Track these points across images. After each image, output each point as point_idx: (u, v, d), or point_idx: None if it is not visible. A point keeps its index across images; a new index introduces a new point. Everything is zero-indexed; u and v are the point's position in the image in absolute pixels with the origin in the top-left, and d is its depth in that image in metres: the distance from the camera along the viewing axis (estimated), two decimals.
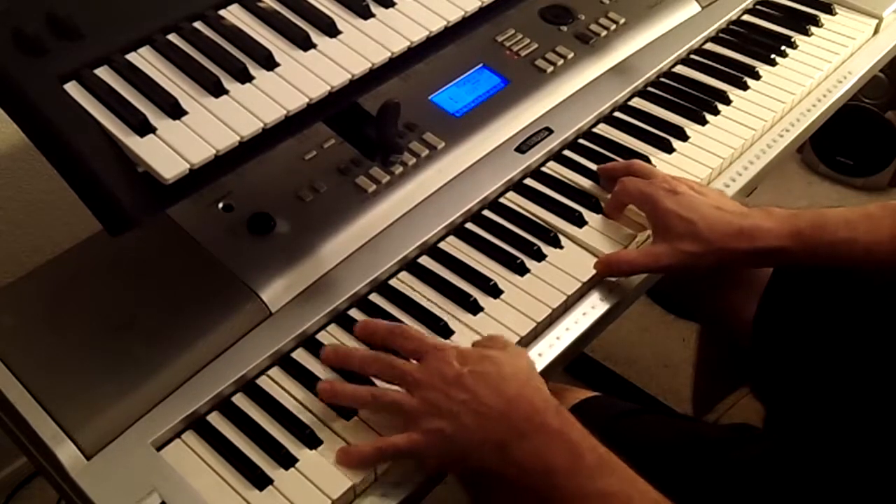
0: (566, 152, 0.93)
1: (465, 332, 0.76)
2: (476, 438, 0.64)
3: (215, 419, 0.70)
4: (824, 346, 0.89)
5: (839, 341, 0.88)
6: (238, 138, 0.64)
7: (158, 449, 0.67)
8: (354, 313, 0.77)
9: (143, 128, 0.63)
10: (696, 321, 1.33)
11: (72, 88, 0.64)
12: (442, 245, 0.83)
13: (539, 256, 0.82)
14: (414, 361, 0.69)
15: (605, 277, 0.81)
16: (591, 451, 0.64)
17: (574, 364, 0.81)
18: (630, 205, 0.85)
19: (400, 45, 0.71)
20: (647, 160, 0.92)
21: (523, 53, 0.98)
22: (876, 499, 0.73)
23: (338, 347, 0.73)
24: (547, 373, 0.77)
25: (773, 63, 1.06)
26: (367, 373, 0.70)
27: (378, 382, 0.70)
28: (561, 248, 0.83)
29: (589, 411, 0.89)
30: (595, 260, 0.82)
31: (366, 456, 0.66)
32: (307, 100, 0.66)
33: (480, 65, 0.96)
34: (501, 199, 0.88)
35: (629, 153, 0.93)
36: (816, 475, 0.77)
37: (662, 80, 1.04)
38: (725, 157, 0.94)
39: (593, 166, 0.91)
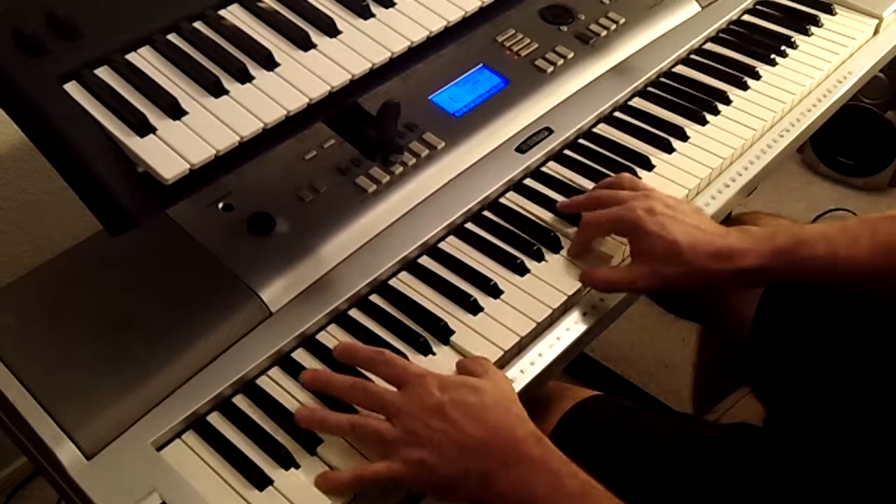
0: (566, 152, 0.93)
1: (465, 331, 0.76)
2: (458, 469, 0.64)
3: (215, 419, 0.70)
4: (824, 346, 0.89)
5: (839, 341, 0.88)
6: (238, 138, 0.63)
7: (158, 449, 0.67)
8: (354, 313, 0.77)
9: (143, 128, 0.63)
10: (696, 321, 1.34)
11: (72, 88, 0.64)
12: (442, 245, 0.83)
13: (539, 256, 0.82)
14: (394, 389, 0.69)
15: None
16: (572, 478, 0.64)
17: (574, 364, 0.81)
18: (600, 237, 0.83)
19: (400, 45, 0.71)
20: (648, 160, 0.92)
21: (523, 53, 0.98)
22: (876, 499, 0.73)
23: (318, 373, 0.72)
24: (547, 373, 0.77)
25: (773, 63, 1.06)
26: (348, 401, 0.70)
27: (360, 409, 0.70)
28: (561, 248, 0.83)
29: (589, 411, 0.89)
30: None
31: (344, 483, 0.66)
32: (307, 100, 0.66)
33: (480, 65, 0.96)
34: (501, 199, 0.88)
35: (629, 153, 0.93)
36: (816, 475, 0.77)
37: (662, 80, 1.04)
38: (726, 157, 0.94)
39: (594, 166, 0.91)
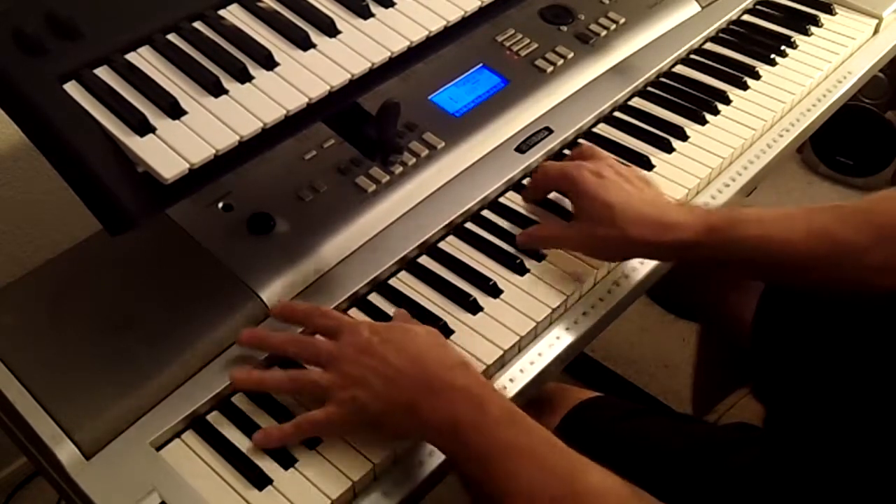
0: (566, 152, 0.93)
1: (464, 331, 0.76)
2: (387, 401, 0.65)
3: (215, 419, 0.70)
4: (824, 347, 0.89)
5: (838, 341, 0.88)
6: (238, 138, 0.64)
7: (158, 449, 0.67)
8: (354, 313, 0.77)
9: (142, 128, 0.63)
10: (696, 321, 1.34)
11: (72, 88, 0.64)
12: (442, 245, 0.83)
13: (539, 256, 0.82)
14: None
15: (527, 248, 0.82)
16: (496, 405, 0.64)
17: (574, 364, 0.81)
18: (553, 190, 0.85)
19: (400, 45, 0.71)
20: (647, 160, 0.92)
21: (523, 53, 0.98)
22: (875, 499, 0.73)
23: (255, 330, 0.73)
24: (547, 373, 0.77)
25: (773, 63, 1.06)
26: (285, 353, 0.71)
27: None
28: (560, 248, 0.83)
29: (590, 412, 0.89)
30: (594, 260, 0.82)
31: (285, 434, 0.67)
32: (307, 100, 0.67)
33: (480, 65, 0.96)
34: (501, 199, 0.88)
35: (629, 153, 0.93)
36: (816, 475, 0.77)
37: (662, 80, 1.04)
38: (725, 156, 0.94)
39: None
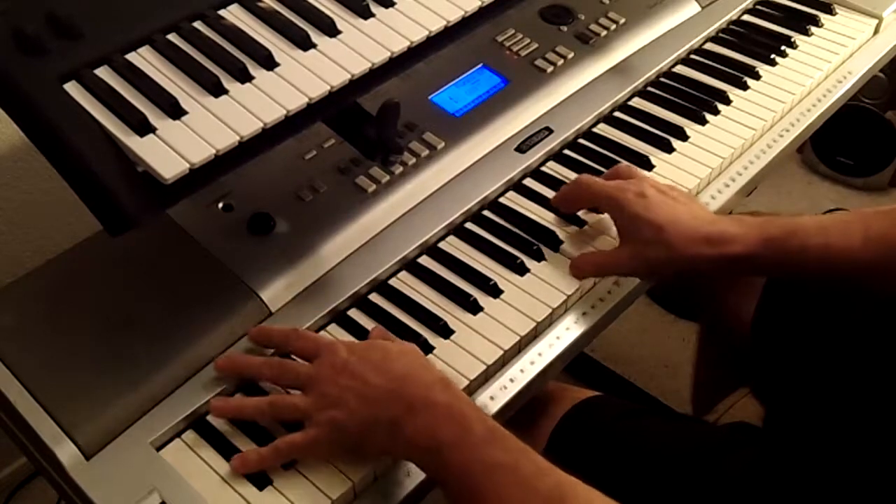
0: (566, 152, 0.93)
1: (464, 331, 0.76)
2: (367, 421, 0.64)
3: (215, 419, 0.70)
4: (823, 347, 0.89)
5: (838, 341, 0.88)
6: (238, 138, 0.64)
7: (158, 449, 0.67)
8: (354, 313, 0.77)
9: (142, 128, 0.63)
10: (696, 321, 1.34)
11: (72, 88, 0.64)
12: (442, 245, 0.83)
13: (539, 256, 0.82)
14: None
15: (581, 277, 0.81)
16: (479, 423, 0.63)
17: (574, 364, 0.81)
18: (593, 208, 0.84)
19: (400, 45, 0.71)
20: (647, 160, 0.92)
21: (523, 53, 0.98)
22: (875, 499, 0.73)
23: (231, 355, 0.71)
24: (547, 372, 0.77)
25: (773, 63, 1.06)
26: (263, 377, 0.70)
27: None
28: (561, 248, 0.83)
29: (589, 411, 0.89)
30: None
31: (264, 458, 0.66)
32: (307, 100, 0.67)
33: (480, 65, 0.96)
34: (501, 199, 0.88)
35: (629, 153, 0.93)
36: (816, 475, 0.77)
37: (662, 80, 1.04)
38: (725, 156, 0.94)
39: (594, 166, 0.91)
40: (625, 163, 0.88)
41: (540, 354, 0.77)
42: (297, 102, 0.66)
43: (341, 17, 0.72)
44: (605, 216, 0.84)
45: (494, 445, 0.62)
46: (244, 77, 0.67)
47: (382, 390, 0.64)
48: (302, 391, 0.67)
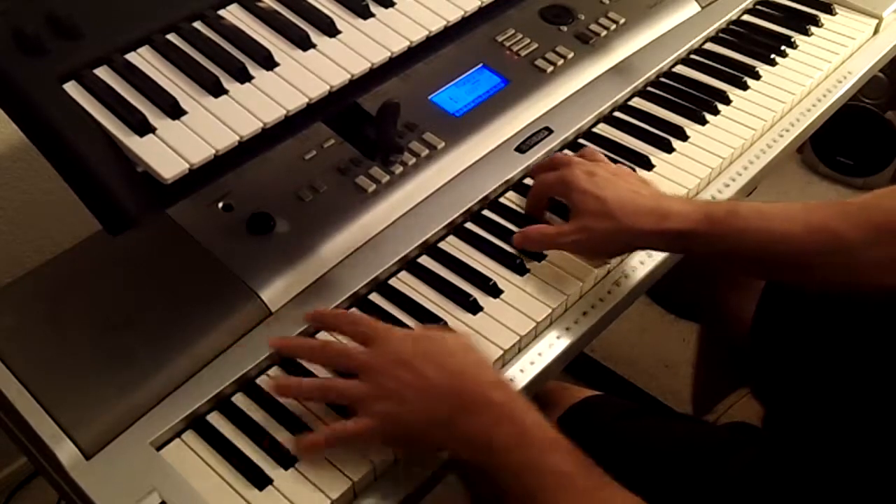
0: (566, 152, 0.93)
1: (464, 331, 0.76)
2: (423, 417, 0.64)
3: (215, 419, 0.70)
4: (823, 347, 0.89)
5: (837, 342, 0.88)
6: (238, 138, 0.64)
7: (158, 449, 0.67)
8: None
9: (142, 128, 0.63)
10: (696, 321, 1.34)
11: (71, 88, 0.64)
12: (442, 245, 0.83)
13: (539, 256, 0.82)
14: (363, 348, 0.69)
15: (524, 248, 0.82)
16: (538, 429, 0.64)
17: (574, 364, 0.81)
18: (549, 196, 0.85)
19: (400, 45, 0.71)
20: (647, 160, 0.92)
21: (523, 53, 0.98)
22: (875, 499, 0.73)
23: (286, 338, 0.72)
24: (547, 372, 0.77)
25: (773, 63, 1.06)
26: (317, 361, 0.71)
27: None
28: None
29: (589, 411, 0.89)
30: (595, 260, 0.82)
31: (318, 443, 0.66)
32: (307, 100, 0.67)
33: (480, 65, 0.96)
34: (501, 199, 0.88)
35: (629, 153, 0.93)
36: (815, 475, 0.77)
37: (662, 80, 1.04)
38: (725, 156, 0.94)
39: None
40: (588, 147, 0.90)
41: (540, 354, 0.77)
42: (296, 102, 0.66)
43: (341, 17, 0.73)
44: None
45: (553, 452, 0.63)
46: (244, 77, 0.67)
47: (440, 387, 0.65)
48: (357, 377, 0.67)
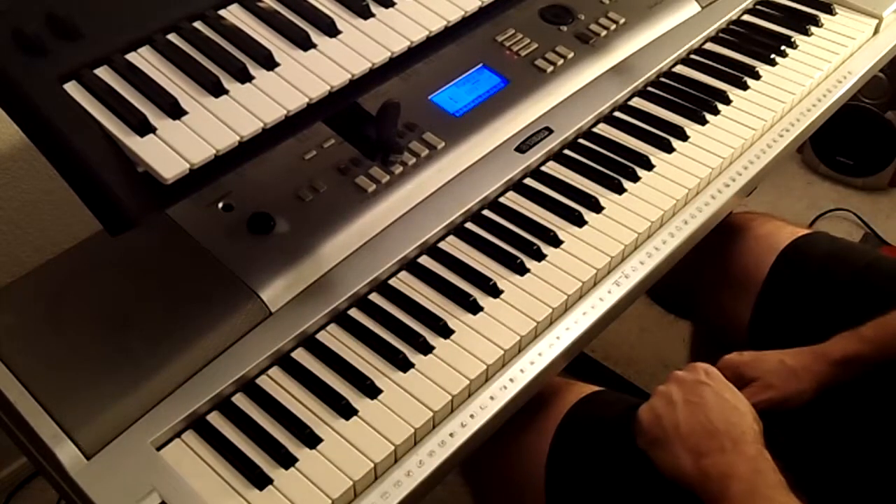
0: (566, 152, 0.93)
1: (464, 331, 0.76)
2: (679, 435, 0.73)
3: (215, 419, 0.70)
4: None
5: None
6: (238, 138, 0.64)
7: (158, 449, 0.67)
8: (354, 313, 0.77)
9: (142, 128, 0.63)
10: (691, 320, 1.34)
11: (72, 88, 0.64)
12: (442, 245, 0.83)
13: (539, 256, 0.82)
14: None
15: None
16: (773, 473, 0.69)
17: (574, 364, 0.81)
18: None
19: (400, 45, 0.71)
20: (647, 160, 0.92)
21: (523, 53, 0.98)
22: (875, 499, 0.73)
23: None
24: (547, 372, 0.77)
25: (773, 63, 1.06)
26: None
27: None
28: (561, 247, 0.83)
29: (592, 407, 0.89)
30: (596, 258, 0.82)
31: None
32: (307, 100, 0.67)
33: (480, 65, 0.96)
34: (501, 199, 0.88)
35: (629, 153, 0.93)
36: (816, 475, 0.77)
37: (662, 79, 1.04)
38: (725, 157, 0.94)
39: (593, 166, 0.91)
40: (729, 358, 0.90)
41: (540, 354, 0.77)
42: (297, 102, 0.66)
43: (341, 17, 0.72)
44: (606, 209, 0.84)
45: (786, 494, 0.68)
46: (244, 77, 0.67)
47: (710, 426, 0.73)
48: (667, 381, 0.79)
